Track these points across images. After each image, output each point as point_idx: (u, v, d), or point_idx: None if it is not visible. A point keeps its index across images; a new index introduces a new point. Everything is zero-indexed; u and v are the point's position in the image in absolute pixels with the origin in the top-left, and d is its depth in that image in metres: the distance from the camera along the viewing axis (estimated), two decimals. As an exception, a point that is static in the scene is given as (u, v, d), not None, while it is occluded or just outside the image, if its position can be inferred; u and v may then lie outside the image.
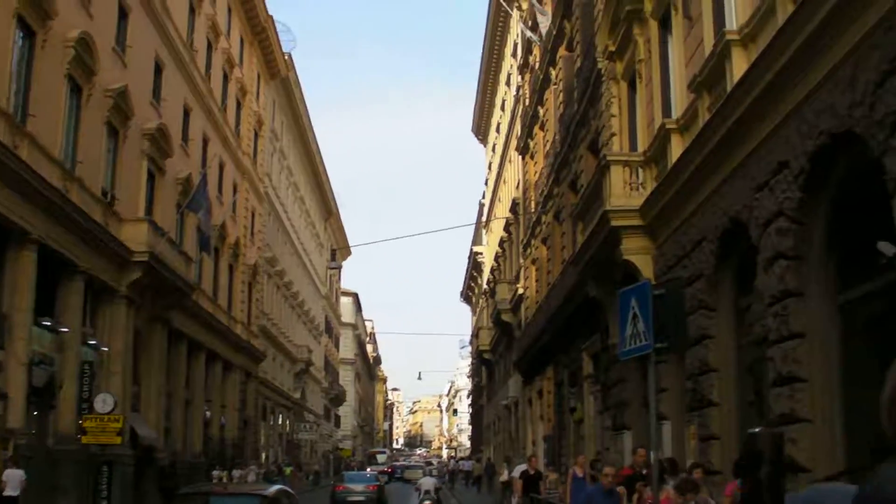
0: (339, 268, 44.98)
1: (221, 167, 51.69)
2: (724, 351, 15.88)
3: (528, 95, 44.72)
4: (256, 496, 14.66)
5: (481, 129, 77.52)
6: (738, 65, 14.66)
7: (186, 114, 44.74)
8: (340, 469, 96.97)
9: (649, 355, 11.39)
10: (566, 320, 30.66)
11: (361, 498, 40.32)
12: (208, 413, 49.44)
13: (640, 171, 20.14)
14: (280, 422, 73.84)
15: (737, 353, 15.83)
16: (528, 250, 45.50)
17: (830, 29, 11.41)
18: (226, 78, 53.18)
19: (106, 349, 33.88)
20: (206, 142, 48.38)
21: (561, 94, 34.88)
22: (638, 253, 19.66)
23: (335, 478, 57.59)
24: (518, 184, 50.98)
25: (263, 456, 64.60)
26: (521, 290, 48.20)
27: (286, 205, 75.35)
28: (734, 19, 15.64)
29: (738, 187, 14.79)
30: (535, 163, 42.99)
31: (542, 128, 40.85)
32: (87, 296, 33.24)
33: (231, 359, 53.44)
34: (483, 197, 79.62)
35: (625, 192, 19.93)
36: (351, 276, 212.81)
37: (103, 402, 28.51)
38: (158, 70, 40.32)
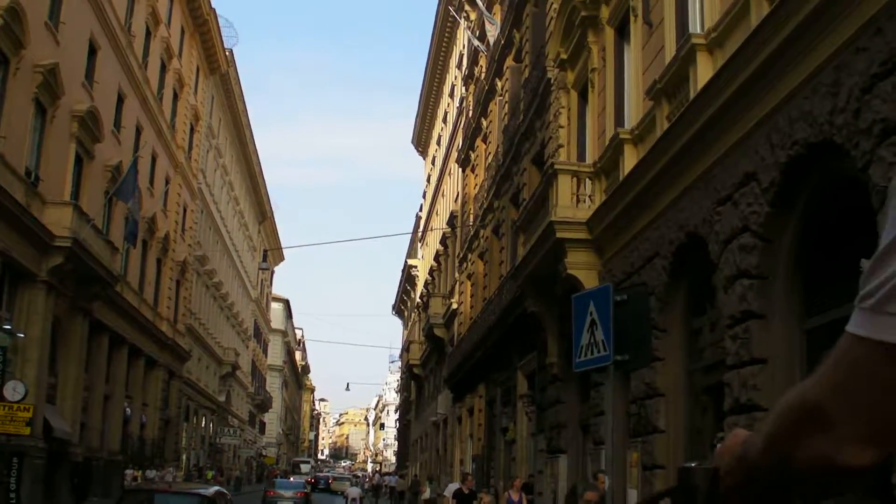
0: (270, 269, 43.59)
1: (154, 158, 50.14)
2: (673, 375, 14.88)
3: (471, 107, 43.76)
4: (197, 496, 15.57)
5: (422, 141, 76.50)
6: (704, 70, 13.75)
7: (120, 100, 43.20)
8: (263, 476, 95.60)
9: (607, 369, 10.08)
10: (501, 337, 29.67)
11: (290, 503, 42.35)
12: (128, 410, 47.75)
13: (589, 182, 19.15)
14: (203, 424, 72.01)
15: (687, 377, 14.84)
16: (465, 264, 44.50)
17: (811, 31, 10.53)
18: (163, 67, 51.62)
19: (21, 335, 32.21)
20: (139, 130, 46.78)
21: (506, 106, 33.96)
22: (583, 268, 18.65)
23: (266, 483, 59.74)
24: (457, 196, 50.01)
25: (184, 458, 62.84)
26: (455, 305, 47.16)
27: (219, 203, 73.71)
28: (699, 24, 14.76)
29: (697, 200, 13.84)
30: (476, 175, 42.02)
31: (484, 140, 39.94)
32: (3, 278, 31.74)
33: (155, 356, 51.77)
34: (420, 210, 78.50)
35: (572, 203, 18.93)
36: (283, 282, 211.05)
37: (13, 390, 26.89)
38: (93, 51, 38.75)
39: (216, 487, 18.17)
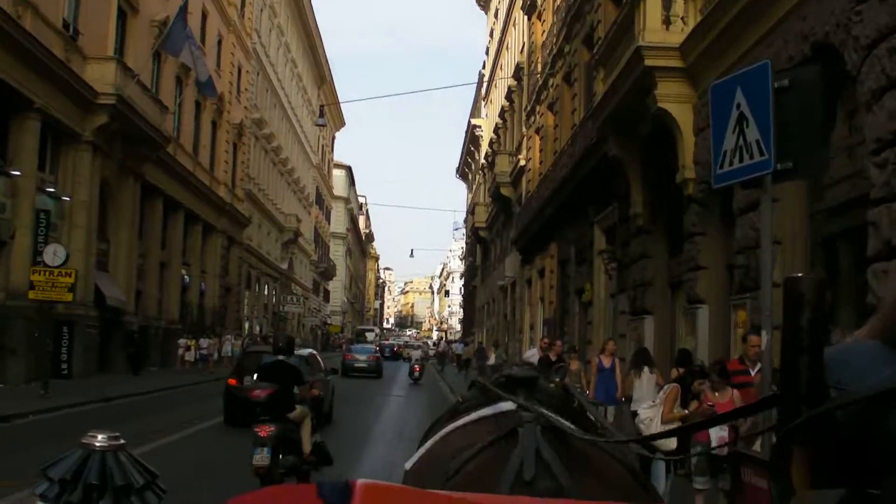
0: (327, 125, 41.69)
1: (205, 16, 47.83)
2: (790, 219, 12.52)
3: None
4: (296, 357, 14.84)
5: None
6: None
7: (164, -53, 40.75)
8: (329, 344, 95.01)
9: (764, 181, 7.09)
10: (576, 189, 27.33)
11: (364, 365, 47.92)
12: (186, 278, 46.56)
13: (681, 0, 16.56)
14: (266, 292, 70.95)
15: (807, 221, 12.50)
16: (533, 118, 41.97)
17: None
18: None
19: (68, 199, 30.60)
20: (187, -16, 44.29)
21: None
22: (675, 100, 16.23)
23: (344, 348, 65.27)
24: (523, 47, 47.15)
25: (246, 326, 61.87)
26: (522, 162, 44.70)
27: (276, 65, 71.27)
28: None
29: (826, 2, 11.34)
30: (544, 21, 39.16)
31: (552, -20, 37.06)
32: (45, 139, 30.02)
33: (213, 222, 50.30)
34: (483, 67, 75.31)
35: (661, 27, 16.39)
36: (344, 149, 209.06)
37: (54, 254, 25.13)
38: None
39: (309, 350, 20.47)
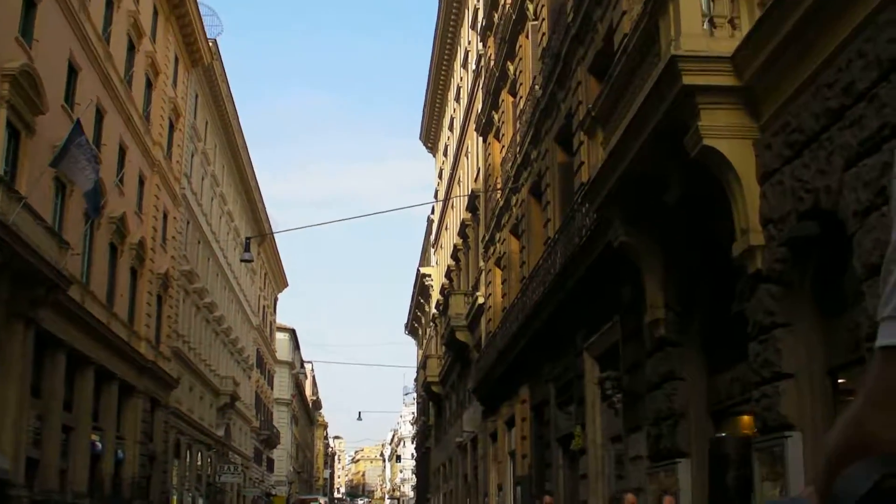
0: (252, 261, 36.47)
1: (123, 150, 42.93)
2: None
3: (493, 56, 36.40)
4: None
5: (431, 134, 68.91)
6: None
7: (73, 71, 35.98)
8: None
9: None
10: (556, 312, 22.14)
11: None
12: (98, 444, 40.29)
13: None
14: (199, 461, 64.24)
15: None
16: (492, 248, 37.16)
17: None
18: (132, 46, 44.42)
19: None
20: (101, 114, 39.49)
21: (543, 24, 26.71)
22: (729, 135, 11.16)
23: None
24: (477, 175, 42.76)
25: (175, 500, 55.14)
26: (481, 300, 39.62)
27: (210, 216, 66.40)
28: None
29: None
30: (503, 135, 34.69)
31: (512, 91, 32.78)
32: None
33: (132, 381, 44.36)
34: (432, 212, 70.92)
35: (703, 30, 11.43)
36: (289, 312, 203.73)
37: None
38: (31, 3, 31.66)
39: None
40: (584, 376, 20.33)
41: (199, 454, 64.04)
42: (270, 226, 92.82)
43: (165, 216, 51.63)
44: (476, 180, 42.72)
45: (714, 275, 12.77)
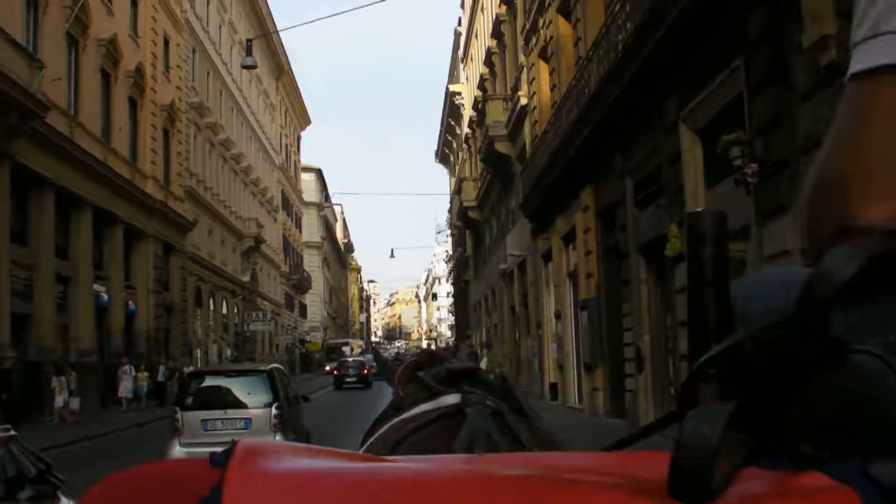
0: (256, 66, 31.61)
1: (105, -42, 37.67)
2: None
3: None
4: (256, 371, 17.10)
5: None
6: None
7: None
8: (308, 365, 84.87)
9: None
10: (638, 74, 16.96)
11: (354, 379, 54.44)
12: (104, 296, 36.20)
13: None
14: (224, 310, 60.52)
15: None
16: (534, 39, 32.10)
17: None
18: None
19: None
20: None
21: None
22: None
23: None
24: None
25: (198, 351, 51.52)
26: (524, 100, 34.55)
27: (219, 46, 61.18)
28: None
29: None
30: None
31: None
32: None
33: (139, 225, 40.11)
34: (459, 24, 65.19)
35: None
36: (313, 152, 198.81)
37: None
38: None
39: (273, 364, 18.72)
40: (683, 156, 15.58)
41: (224, 302, 60.31)
42: (289, 60, 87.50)
43: (167, 42, 46.65)
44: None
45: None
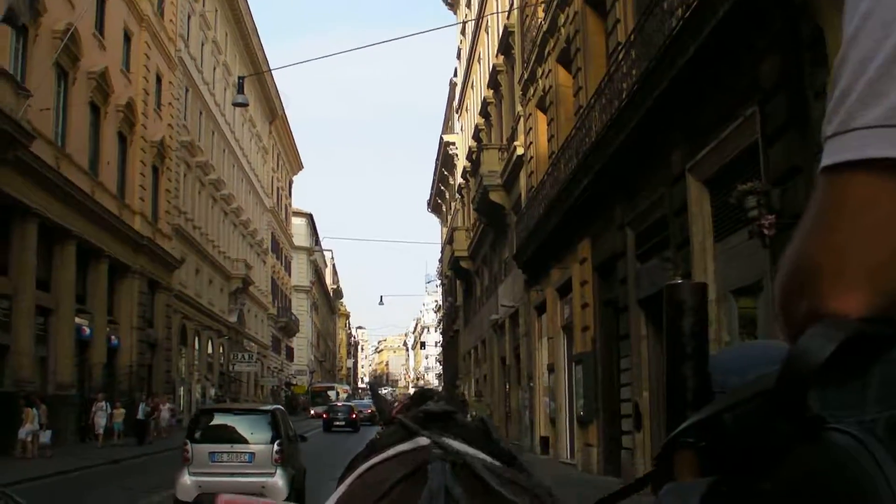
0: (247, 105, 30.72)
1: (101, -3, 37.23)
2: None
3: None
4: (262, 411, 18.26)
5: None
6: None
7: None
8: (293, 408, 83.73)
9: None
10: (642, 123, 16.37)
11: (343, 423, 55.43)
12: (87, 329, 35.49)
13: None
14: (210, 349, 59.63)
15: None
16: (532, 89, 31.59)
17: None
18: None
19: None
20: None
21: None
22: None
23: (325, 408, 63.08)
24: (509, 12, 36.91)
25: (182, 390, 50.64)
26: (520, 150, 33.93)
27: (212, 86, 60.77)
28: None
29: None
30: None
31: None
32: None
33: (125, 260, 39.45)
34: (455, 74, 64.74)
35: None
36: (304, 198, 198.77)
37: None
38: None
39: (276, 405, 20.60)
40: (689, 207, 14.88)
41: (210, 342, 59.55)
42: (282, 104, 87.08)
43: (159, 79, 46.27)
44: (508, 16, 36.88)
45: None
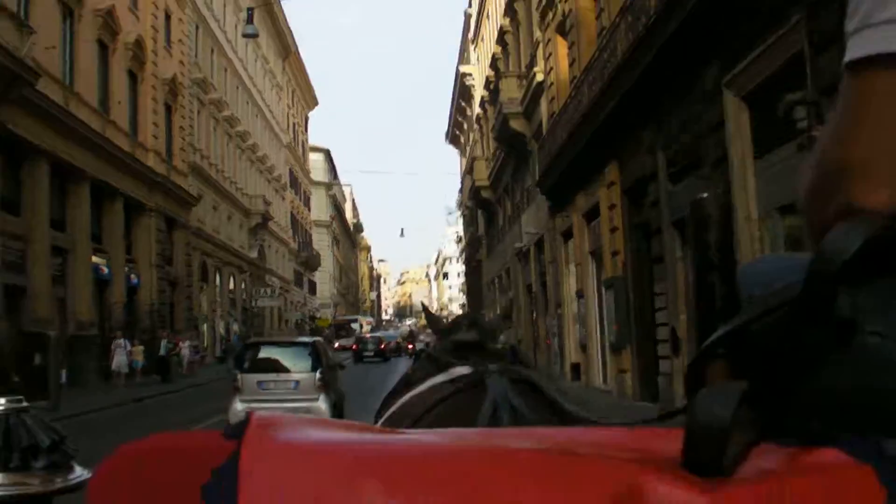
0: (257, 35, 30.09)
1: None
2: None
3: None
4: (304, 343, 19.94)
5: None
6: None
7: None
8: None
9: None
10: (673, 38, 15.51)
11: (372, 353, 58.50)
12: (104, 268, 35.07)
13: None
14: (231, 286, 59.33)
15: None
16: (551, 13, 30.61)
17: None
18: None
19: None
20: None
21: None
22: None
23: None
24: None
25: (205, 326, 50.38)
26: (540, 77, 33.04)
27: (223, 24, 59.58)
28: None
29: None
30: None
31: None
32: None
33: (141, 198, 38.91)
34: (469, 5, 63.67)
35: None
36: (321, 133, 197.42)
37: None
38: None
39: (317, 337, 23.38)
40: (727, 123, 14.06)
41: (232, 278, 59.24)
42: (295, 41, 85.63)
43: (168, 16, 45.21)
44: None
45: None
